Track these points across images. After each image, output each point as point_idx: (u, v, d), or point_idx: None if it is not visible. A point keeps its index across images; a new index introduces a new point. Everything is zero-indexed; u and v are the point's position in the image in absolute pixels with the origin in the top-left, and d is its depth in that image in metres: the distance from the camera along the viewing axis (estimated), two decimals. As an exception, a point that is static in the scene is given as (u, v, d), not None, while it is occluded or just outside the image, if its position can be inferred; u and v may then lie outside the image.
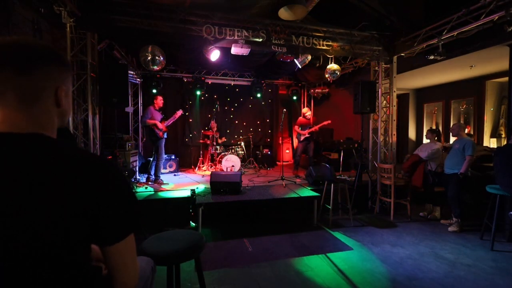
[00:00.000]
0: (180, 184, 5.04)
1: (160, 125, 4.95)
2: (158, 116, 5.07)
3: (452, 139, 5.85)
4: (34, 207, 0.64)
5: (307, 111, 6.24)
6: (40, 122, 0.74)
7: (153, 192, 4.30)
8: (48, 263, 0.67)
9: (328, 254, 3.13)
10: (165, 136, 5.17)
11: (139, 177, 5.49)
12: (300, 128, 6.13)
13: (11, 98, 0.70)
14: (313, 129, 6.05)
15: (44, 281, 0.67)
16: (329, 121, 6.12)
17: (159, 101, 5.21)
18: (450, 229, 3.89)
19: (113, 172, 0.76)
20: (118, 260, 0.78)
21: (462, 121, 6.27)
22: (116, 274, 0.79)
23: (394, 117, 4.95)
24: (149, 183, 5.03)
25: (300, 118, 6.25)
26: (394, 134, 4.96)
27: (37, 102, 0.73)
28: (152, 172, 5.15)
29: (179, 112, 5.44)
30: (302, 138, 6.08)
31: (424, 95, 7.26)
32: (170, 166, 6.44)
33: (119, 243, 0.75)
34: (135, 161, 5.85)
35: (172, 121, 5.35)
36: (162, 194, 4.18)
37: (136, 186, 4.64)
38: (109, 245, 0.75)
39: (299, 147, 6.19)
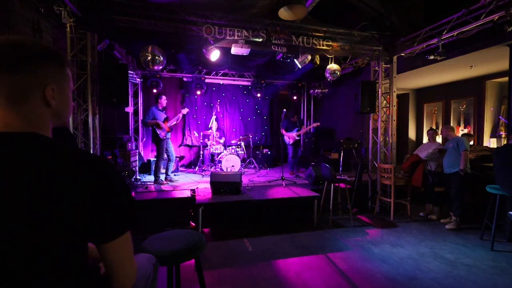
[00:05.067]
0: (180, 184, 5.03)
1: (162, 125, 4.89)
2: (161, 116, 5.01)
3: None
4: (30, 206, 0.64)
5: (293, 115, 6.34)
6: (31, 121, 0.73)
7: (153, 192, 4.29)
8: (45, 262, 0.67)
9: (328, 254, 3.13)
10: (168, 136, 5.12)
11: (139, 177, 5.48)
12: (286, 131, 6.12)
13: (0, 98, 0.70)
14: (302, 131, 6.18)
15: (42, 280, 0.67)
16: (318, 123, 6.46)
17: (163, 100, 5.15)
18: (447, 226, 3.92)
19: (108, 170, 0.76)
20: (114, 258, 0.78)
21: (462, 121, 6.31)
22: (113, 273, 0.79)
23: (394, 117, 4.95)
24: (166, 182, 5.06)
25: (287, 121, 6.24)
26: (394, 134, 4.95)
27: (24, 101, 0.71)
28: (170, 172, 5.22)
29: (184, 111, 5.37)
30: (292, 141, 6.09)
31: (424, 95, 7.26)
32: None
33: (115, 241, 0.76)
34: (135, 161, 5.84)
35: (175, 121, 5.30)
36: (162, 194, 4.18)
37: (136, 186, 4.64)
38: (105, 243, 0.75)
39: (291, 149, 6.19)
